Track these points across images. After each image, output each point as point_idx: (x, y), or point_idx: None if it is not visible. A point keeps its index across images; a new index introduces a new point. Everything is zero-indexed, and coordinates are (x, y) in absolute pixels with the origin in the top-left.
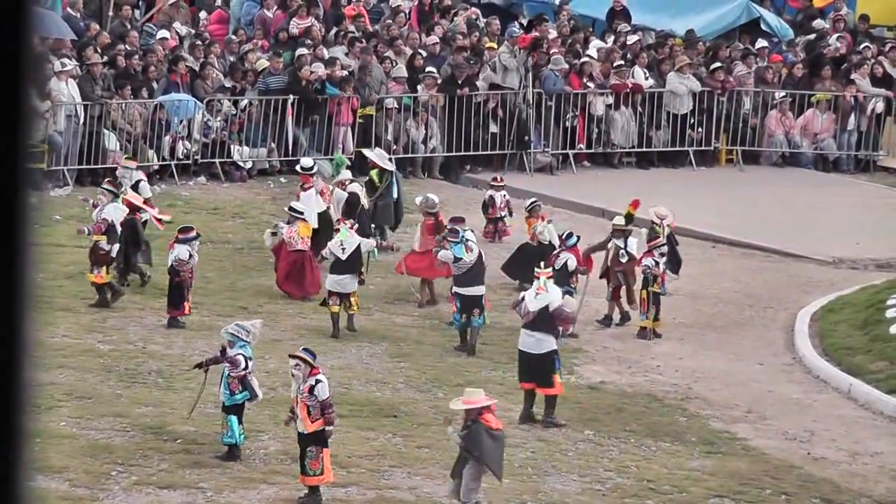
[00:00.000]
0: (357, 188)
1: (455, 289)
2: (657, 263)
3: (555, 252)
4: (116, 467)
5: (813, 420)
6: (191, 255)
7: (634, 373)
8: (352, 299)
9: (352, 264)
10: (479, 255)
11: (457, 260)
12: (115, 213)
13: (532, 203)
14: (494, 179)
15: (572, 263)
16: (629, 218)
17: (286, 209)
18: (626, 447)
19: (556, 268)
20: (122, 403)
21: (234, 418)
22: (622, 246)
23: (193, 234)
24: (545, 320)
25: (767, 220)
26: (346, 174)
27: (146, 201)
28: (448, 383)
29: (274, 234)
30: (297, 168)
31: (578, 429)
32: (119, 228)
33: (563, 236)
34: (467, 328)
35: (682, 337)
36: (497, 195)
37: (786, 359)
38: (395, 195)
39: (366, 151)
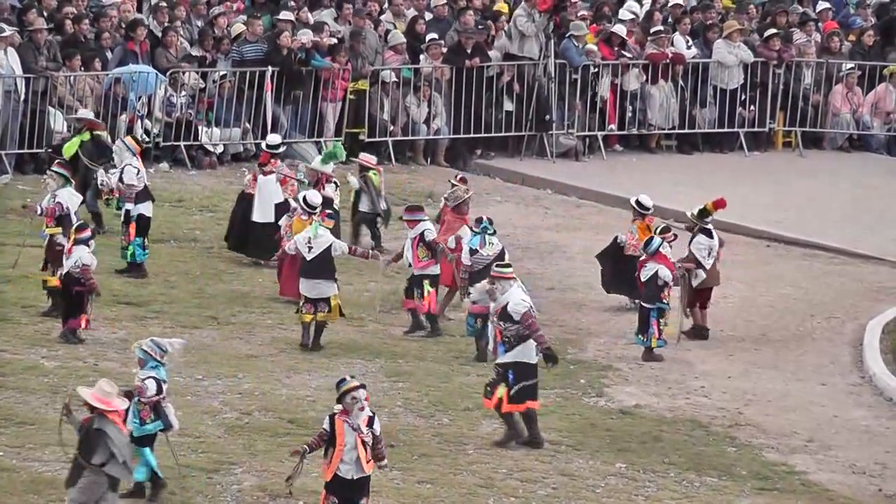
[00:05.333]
0: (332, 191)
1: (469, 288)
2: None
3: (641, 259)
4: None
5: (885, 451)
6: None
7: (675, 395)
8: (332, 303)
9: (323, 267)
10: (502, 252)
11: (473, 253)
12: (71, 199)
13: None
14: (458, 179)
15: (665, 274)
16: (703, 213)
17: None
18: (665, 482)
19: (644, 279)
20: (70, 431)
21: (147, 451)
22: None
23: (88, 232)
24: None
25: (832, 215)
26: (330, 169)
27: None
28: (454, 407)
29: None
30: (263, 145)
31: (609, 461)
32: (75, 219)
33: (644, 242)
34: (481, 335)
35: (732, 353)
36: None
37: (853, 378)
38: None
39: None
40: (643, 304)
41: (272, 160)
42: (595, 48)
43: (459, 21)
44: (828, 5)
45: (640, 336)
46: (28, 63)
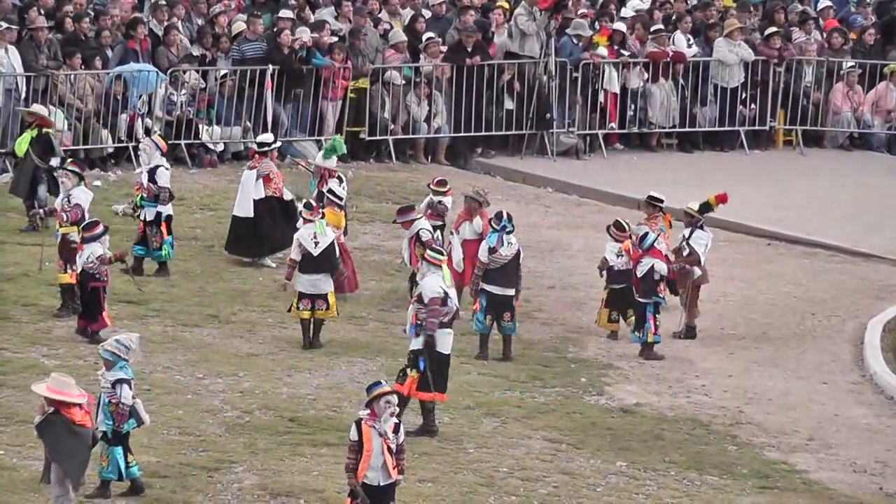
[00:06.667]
0: (336, 185)
1: (483, 285)
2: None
3: (636, 256)
4: None
5: (886, 449)
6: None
7: (675, 393)
8: (329, 300)
9: (325, 262)
10: (518, 253)
11: (492, 251)
12: (86, 197)
13: None
14: (435, 183)
15: (661, 267)
16: (705, 207)
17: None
18: (666, 481)
19: (640, 275)
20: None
21: (118, 450)
22: (686, 236)
23: (101, 228)
24: None
25: (833, 214)
26: (333, 163)
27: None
28: (456, 406)
29: None
30: (253, 145)
31: (609, 459)
32: (88, 216)
33: (639, 237)
34: (489, 333)
35: (732, 351)
36: (435, 202)
37: (854, 377)
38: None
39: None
40: (639, 299)
41: (258, 156)
42: (605, 52)
43: (459, 20)
44: (829, 3)
45: (636, 333)
46: (28, 61)
